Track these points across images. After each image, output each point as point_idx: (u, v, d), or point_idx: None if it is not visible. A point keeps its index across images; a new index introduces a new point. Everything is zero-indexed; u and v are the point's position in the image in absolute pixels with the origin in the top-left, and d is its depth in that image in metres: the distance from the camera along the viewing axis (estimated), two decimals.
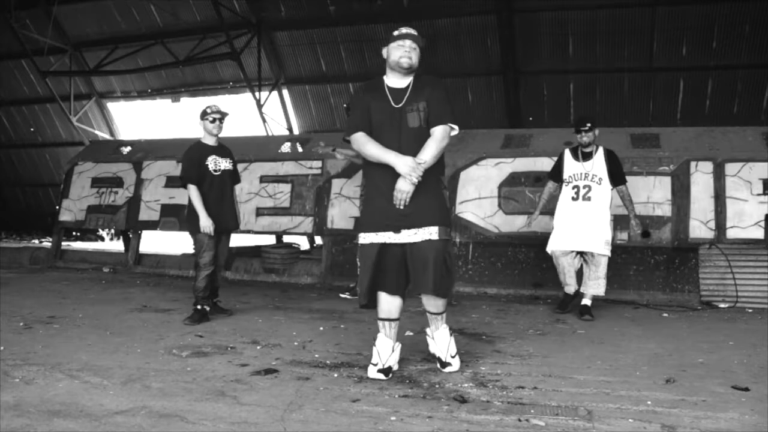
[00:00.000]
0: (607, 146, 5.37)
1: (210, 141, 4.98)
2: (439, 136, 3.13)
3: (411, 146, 3.11)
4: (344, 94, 12.74)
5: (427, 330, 3.38)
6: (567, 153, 5.39)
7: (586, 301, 5.22)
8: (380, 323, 3.26)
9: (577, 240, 5.20)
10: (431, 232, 3.12)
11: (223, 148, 5.06)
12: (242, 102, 14.78)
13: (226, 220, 4.99)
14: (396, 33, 3.22)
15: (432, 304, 3.25)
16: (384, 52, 3.26)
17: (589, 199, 5.17)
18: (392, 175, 3.07)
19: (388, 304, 3.23)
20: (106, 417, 2.43)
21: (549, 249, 5.40)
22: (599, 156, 5.25)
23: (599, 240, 5.14)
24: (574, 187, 5.26)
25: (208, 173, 4.88)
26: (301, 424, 2.40)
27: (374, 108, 3.19)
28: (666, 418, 2.53)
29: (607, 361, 3.56)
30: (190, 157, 4.91)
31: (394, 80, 3.23)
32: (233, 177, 5.11)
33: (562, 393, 2.89)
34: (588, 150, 5.25)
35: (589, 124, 5.14)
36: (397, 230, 3.13)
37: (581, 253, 5.32)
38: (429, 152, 3.09)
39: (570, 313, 5.34)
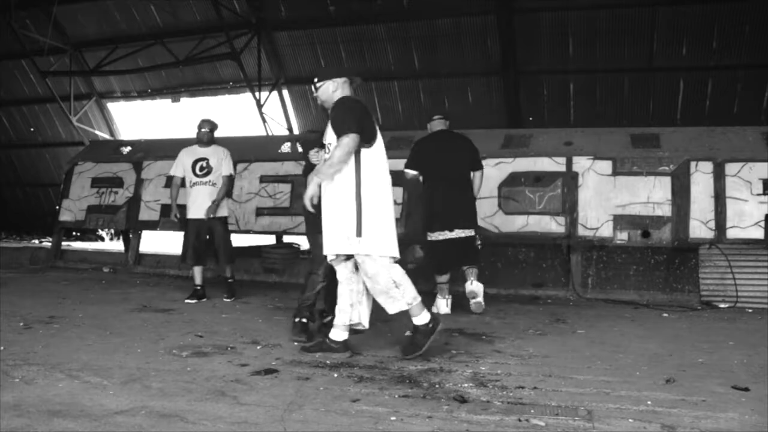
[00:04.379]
0: (608, 146, 5.17)
1: None
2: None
3: None
4: None
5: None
6: None
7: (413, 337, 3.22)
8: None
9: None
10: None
11: None
12: (242, 102, 14.72)
13: None
14: None
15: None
16: None
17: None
18: None
19: None
20: (106, 417, 2.42)
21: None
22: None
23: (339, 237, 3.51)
24: None
25: None
26: (301, 424, 2.40)
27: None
28: (666, 418, 2.53)
29: (607, 361, 3.56)
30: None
31: None
32: None
33: (562, 393, 2.89)
34: None
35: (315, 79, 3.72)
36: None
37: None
38: None
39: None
